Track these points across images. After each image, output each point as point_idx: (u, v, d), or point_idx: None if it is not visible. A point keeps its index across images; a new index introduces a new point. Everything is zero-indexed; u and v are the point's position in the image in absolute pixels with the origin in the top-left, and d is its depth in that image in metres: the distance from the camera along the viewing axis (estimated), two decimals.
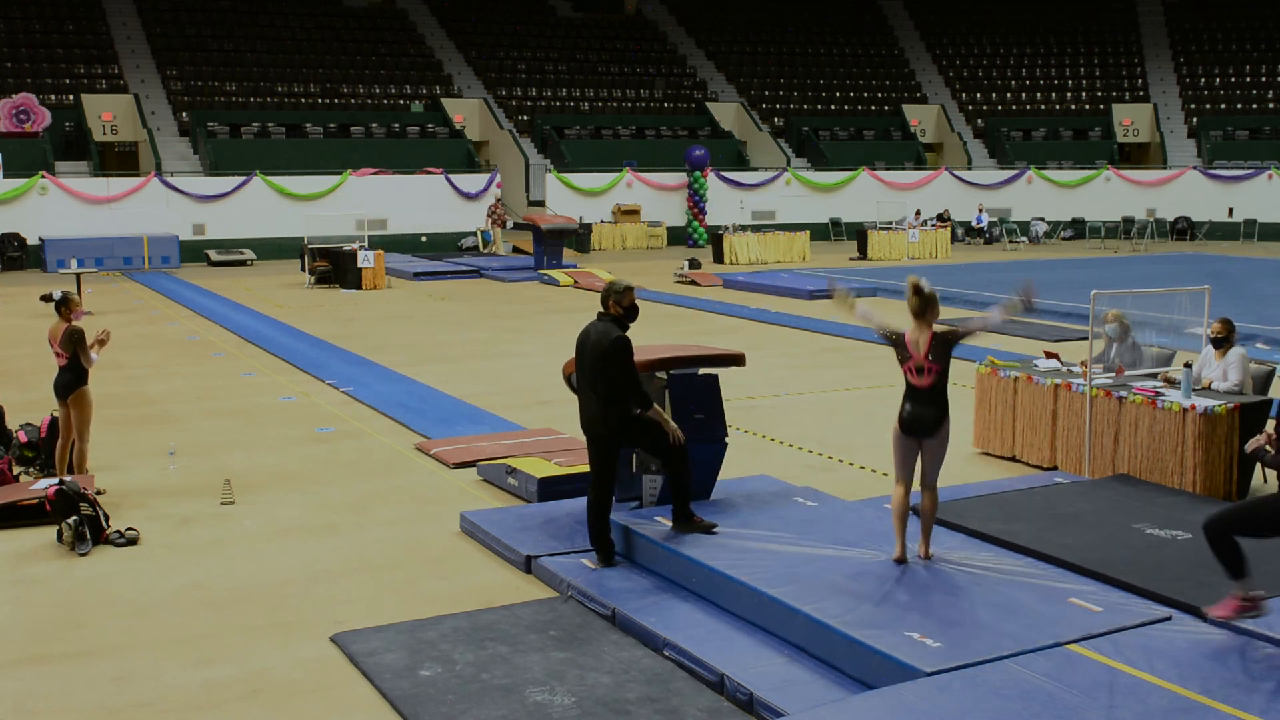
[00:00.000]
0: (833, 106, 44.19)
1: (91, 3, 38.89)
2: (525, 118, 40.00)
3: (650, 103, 42.31)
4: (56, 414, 10.25)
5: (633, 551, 7.83)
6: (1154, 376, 10.01)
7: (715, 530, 7.71)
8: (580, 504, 8.94)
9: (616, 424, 7.61)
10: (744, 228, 33.96)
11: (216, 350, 17.09)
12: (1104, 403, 9.65)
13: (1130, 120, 43.10)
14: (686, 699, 5.98)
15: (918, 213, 35.13)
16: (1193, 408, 9.02)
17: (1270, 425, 6.33)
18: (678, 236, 36.02)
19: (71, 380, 9.85)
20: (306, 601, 7.45)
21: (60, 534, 8.46)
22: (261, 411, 13.00)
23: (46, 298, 10.36)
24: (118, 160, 35.82)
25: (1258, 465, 8.90)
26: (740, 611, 6.81)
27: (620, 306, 7.70)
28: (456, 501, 9.48)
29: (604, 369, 7.54)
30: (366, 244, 25.99)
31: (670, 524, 7.78)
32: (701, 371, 8.80)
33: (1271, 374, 9.98)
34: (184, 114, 35.67)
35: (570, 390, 9.54)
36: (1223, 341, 9.74)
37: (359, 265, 24.69)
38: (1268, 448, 6.23)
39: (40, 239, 29.18)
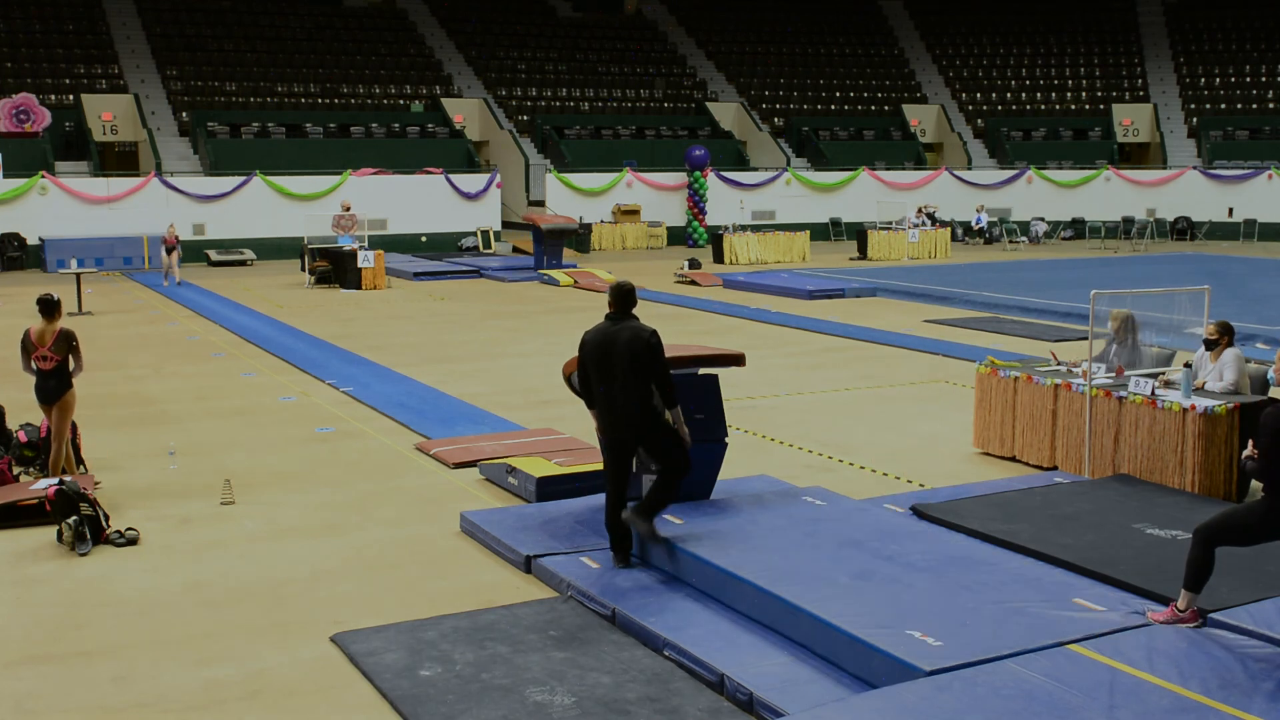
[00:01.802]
0: (833, 106, 44.20)
1: (91, 3, 38.90)
2: (525, 118, 40.01)
3: (650, 103, 42.31)
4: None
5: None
6: (1154, 377, 10.00)
7: (663, 540, 7.61)
8: (580, 504, 8.98)
9: (649, 422, 7.59)
10: (744, 228, 33.96)
11: (216, 350, 17.09)
12: (1104, 403, 9.65)
13: (1130, 120, 43.10)
14: (686, 699, 5.98)
15: (919, 210, 34.85)
16: (1193, 408, 9.02)
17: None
18: (678, 236, 36.03)
19: (58, 385, 9.76)
20: (306, 601, 7.45)
21: (60, 534, 8.45)
22: (261, 411, 13.00)
23: (46, 299, 9.96)
24: (118, 160, 35.82)
25: None
26: (743, 609, 6.82)
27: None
28: (456, 501, 9.48)
29: (641, 367, 7.51)
30: (366, 244, 25.99)
31: (634, 509, 7.64)
32: (701, 371, 8.80)
33: (1265, 375, 9.96)
34: (184, 114, 35.67)
35: (571, 391, 9.55)
36: (1214, 344, 9.75)
37: (359, 265, 24.69)
38: (1250, 459, 6.31)
39: (40, 239, 29.19)
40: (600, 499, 9.03)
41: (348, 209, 26.86)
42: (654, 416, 7.61)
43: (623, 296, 7.73)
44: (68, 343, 9.77)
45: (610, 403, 7.61)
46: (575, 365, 9.01)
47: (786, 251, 30.87)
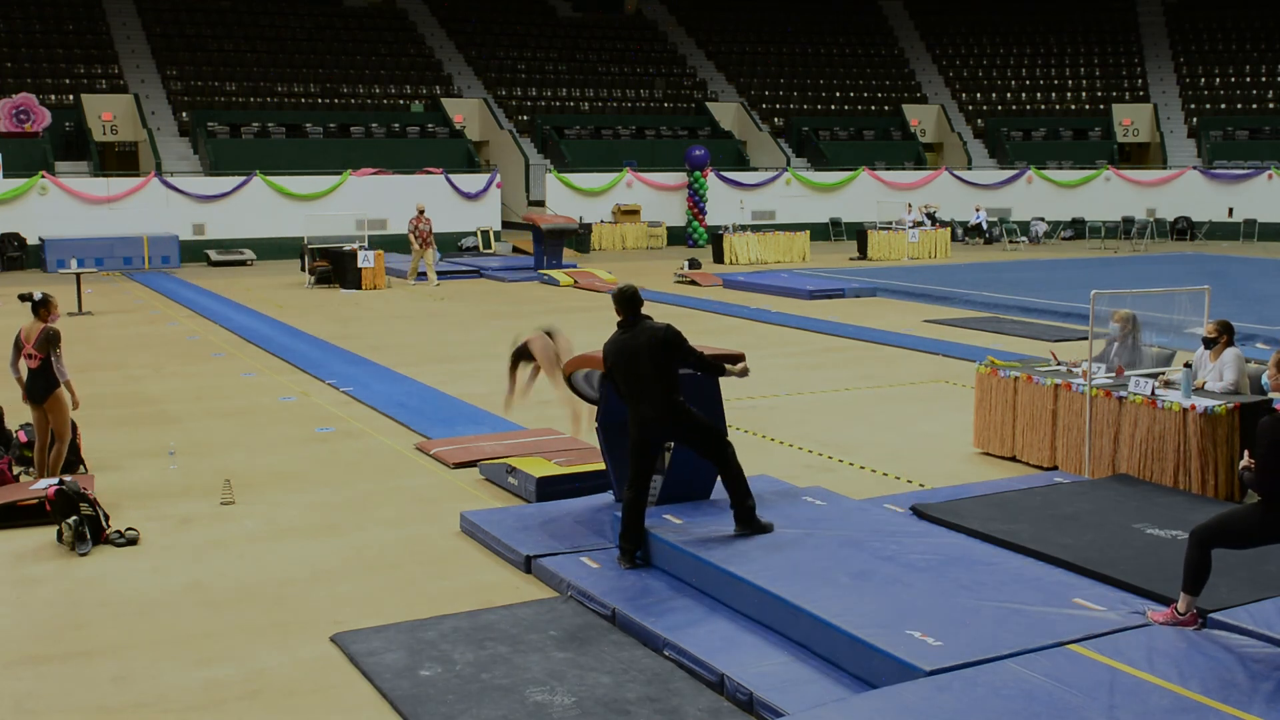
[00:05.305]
0: (833, 106, 44.19)
1: (91, 3, 38.89)
2: (525, 118, 40.00)
3: (650, 103, 42.31)
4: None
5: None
6: (1154, 377, 9.99)
7: (772, 529, 7.72)
8: (580, 504, 8.97)
9: (678, 417, 7.65)
10: (744, 228, 33.95)
11: (216, 350, 17.09)
12: (1104, 403, 9.65)
13: (1130, 120, 43.09)
14: (686, 699, 5.98)
15: (913, 206, 34.65)
16: (1193, 408, 9.02)
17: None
18: (678, 236, 36.02)
19: (46, 384, 9.75)
20: (306, 601, 7.45)
21: (60, 534, 8.45)
22: (261, 411, 13.00)
23: (25, 296, 10.06)
24: (118, 160, 35.81)
25: None
26: (743, 609, 6.82)
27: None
28: (456, 501, 9.48)
29: (665, 364, 7.56)
30: (366, 244, 25.98)
31: (741, 524, 7.71)
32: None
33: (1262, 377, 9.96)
34: (184, 114, 35.66)
35: (573, 392, 9.55)
36: (1213, 342, 9.74)
37: (359, 265, 24.69)
38: (1247, 470, 6.30)
39: (40, 239, 29.17)
40: (600, 499, 9.06)
41: (422, 211, 26.10)
42: (681, 411, 7.67)
43: (627, 301, 7.75)
44: (48, 341, 9.76)
45: (640, 405, 7.63)
46: (576, 366, 9.05)
47: (786, 251, 30.86)
